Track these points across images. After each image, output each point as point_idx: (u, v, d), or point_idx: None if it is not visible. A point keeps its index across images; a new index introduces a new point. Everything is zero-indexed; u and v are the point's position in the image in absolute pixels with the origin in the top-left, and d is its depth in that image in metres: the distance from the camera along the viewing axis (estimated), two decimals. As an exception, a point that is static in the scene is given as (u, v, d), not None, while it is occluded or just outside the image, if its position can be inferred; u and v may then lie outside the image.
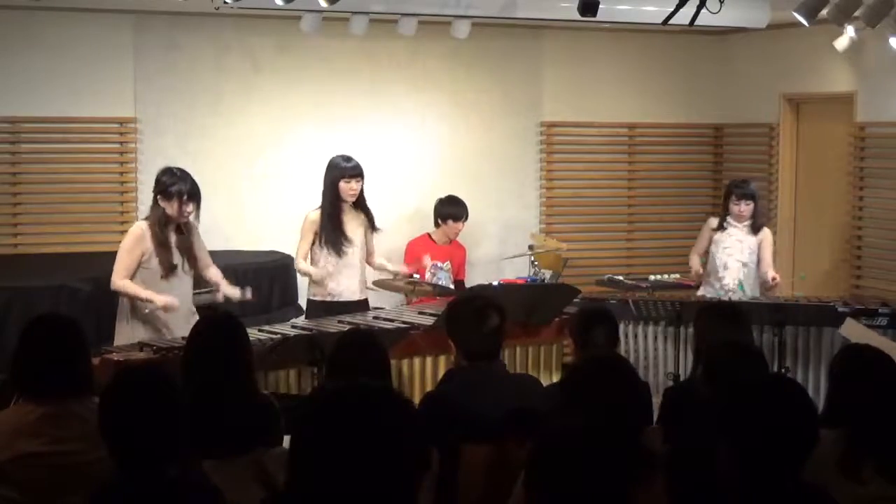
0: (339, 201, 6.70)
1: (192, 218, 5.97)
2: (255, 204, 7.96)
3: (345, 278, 6.74)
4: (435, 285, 7.33)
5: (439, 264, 7.83)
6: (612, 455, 2.55)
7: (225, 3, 6.63)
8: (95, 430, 3.01)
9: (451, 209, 7.94)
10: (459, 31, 7.55)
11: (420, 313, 6.28)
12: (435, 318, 5.86)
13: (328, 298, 6.72)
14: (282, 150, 8.27)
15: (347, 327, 5.57)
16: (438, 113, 8.67)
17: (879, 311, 6.61)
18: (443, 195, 8.09)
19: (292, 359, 5.28)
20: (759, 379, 3.28)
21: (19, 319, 5.50)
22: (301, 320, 6.53)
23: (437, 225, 7.98)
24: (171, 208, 5.86)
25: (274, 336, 5.43)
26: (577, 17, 6.65)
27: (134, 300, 5.85)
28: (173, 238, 5.93)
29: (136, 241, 5.87)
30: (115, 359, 5.12)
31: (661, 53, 9.11)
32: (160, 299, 5.75)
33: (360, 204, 6.81)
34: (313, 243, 6.72)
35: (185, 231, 5.98)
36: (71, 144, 7.92)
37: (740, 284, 7.11)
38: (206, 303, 6.18)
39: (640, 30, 8.58)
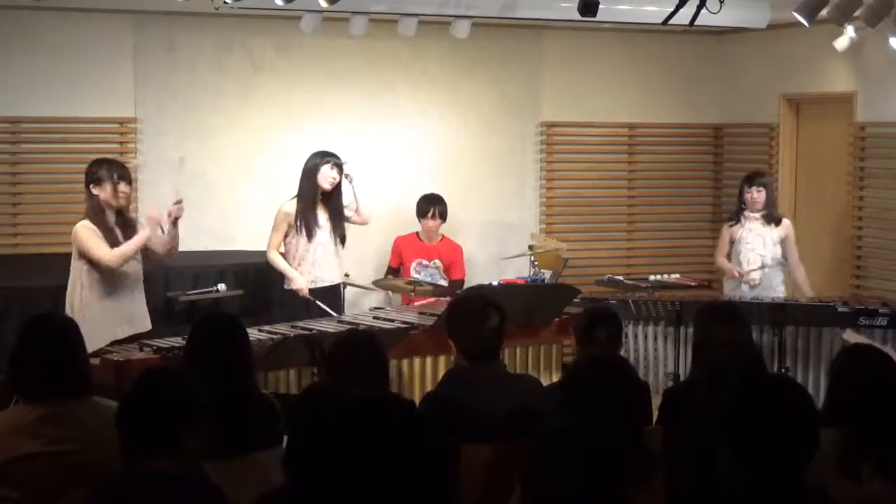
0: (317, 188, 6.78)
1: (125, 201, 5.93)
2: (256, 204, 7.94)
3: (322, 262, 6.80)
4: (435, 285, 7.32)
5: (425, 262, 7.82)
6: (612, 455, 2.54)
7: (225, 3, 6.62)
8: (94, 431, 3.01)
9: (419, 206, 7.93)
10: (459, 31, 7.54)
11: (420, 313, 6.28)
12: (435, 318, 5.85)
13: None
14: (282, 150, 8.26)
15: (347, 327, 5.57)
16: (438, 113, 8.66)
17: (879, 311, 6.62)
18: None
19: (292, 359, 5.28)
20: (760, 379, 3.28)
21: (19, 319, 5.48)
22: (301, 321, 6.52)
23: None
24: (104, 193, 5.86)
25: (274, 336, 5.43)
26: (577, 17, 6.64)
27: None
28: (118, 232, 5.92)
29: (90, 233, 5.83)
30: (115, 359, 5.12)
31: (661, 53, 9.10)
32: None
33: (334, 200, 6.86)
34: (286, 235, 6.80)
35: (127, 218, 5.98)
36: (71, 144, 7.90)
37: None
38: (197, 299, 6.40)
39: (640, 30, 8.58)
